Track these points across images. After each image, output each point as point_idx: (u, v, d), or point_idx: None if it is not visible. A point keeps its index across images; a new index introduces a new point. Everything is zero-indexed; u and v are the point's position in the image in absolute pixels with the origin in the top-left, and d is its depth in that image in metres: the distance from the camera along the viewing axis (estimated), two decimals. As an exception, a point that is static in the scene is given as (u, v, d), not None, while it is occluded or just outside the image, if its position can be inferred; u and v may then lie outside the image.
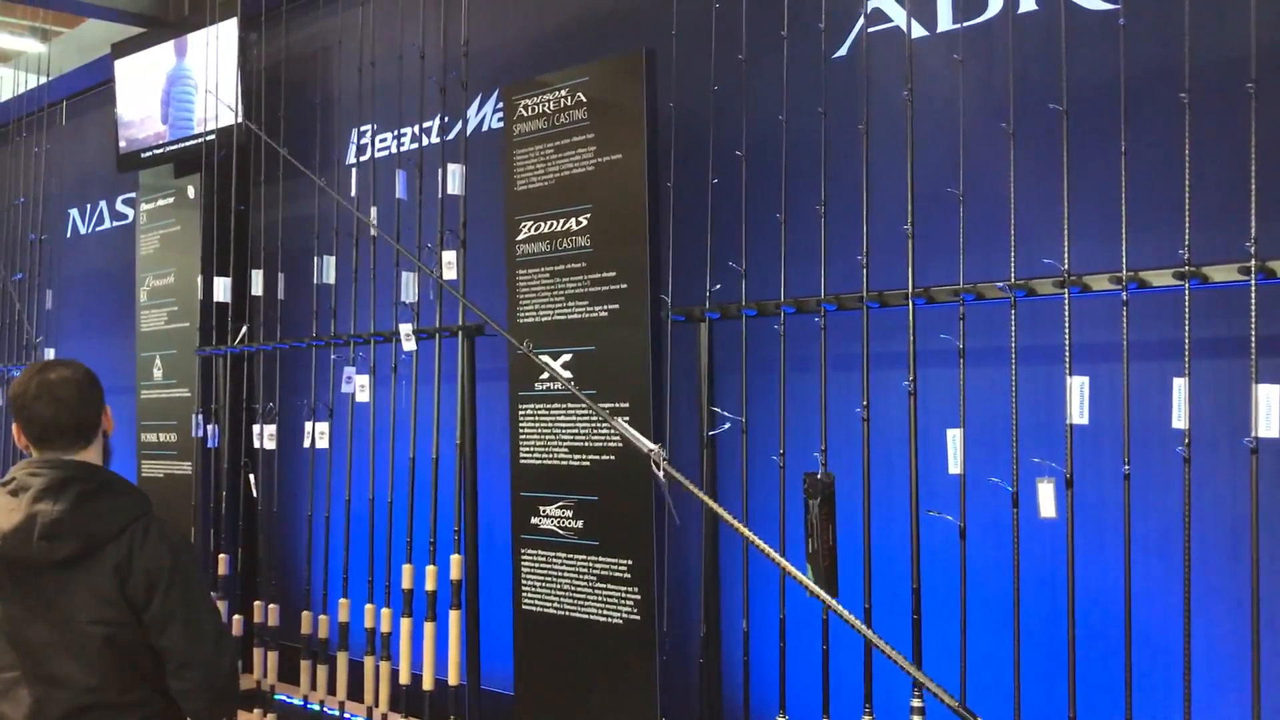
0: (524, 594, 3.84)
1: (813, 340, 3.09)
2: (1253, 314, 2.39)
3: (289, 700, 4.68)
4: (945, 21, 3.40)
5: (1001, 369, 2.78)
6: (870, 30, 3.36)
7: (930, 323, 2.97)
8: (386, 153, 5.01)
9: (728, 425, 3.26)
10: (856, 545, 2.93)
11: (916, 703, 2.81)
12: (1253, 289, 2.41)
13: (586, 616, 3.65)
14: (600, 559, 3.61)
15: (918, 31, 3.38)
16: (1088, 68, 2.96)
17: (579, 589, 3.68)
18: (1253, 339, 2.38)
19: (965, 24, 3.18)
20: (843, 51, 3.59)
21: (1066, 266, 2.67)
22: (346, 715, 4.33)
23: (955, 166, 2.83)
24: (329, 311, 4.49)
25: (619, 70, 3.66)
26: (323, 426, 4.43)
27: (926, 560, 2.85)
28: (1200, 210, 2.52)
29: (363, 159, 5.13)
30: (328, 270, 4.51)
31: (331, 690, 4.38)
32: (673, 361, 3.43)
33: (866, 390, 2.97)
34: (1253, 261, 2.40)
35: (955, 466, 2.77)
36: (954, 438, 2.78)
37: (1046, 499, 2.63)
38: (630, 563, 3.53)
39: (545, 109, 3.86)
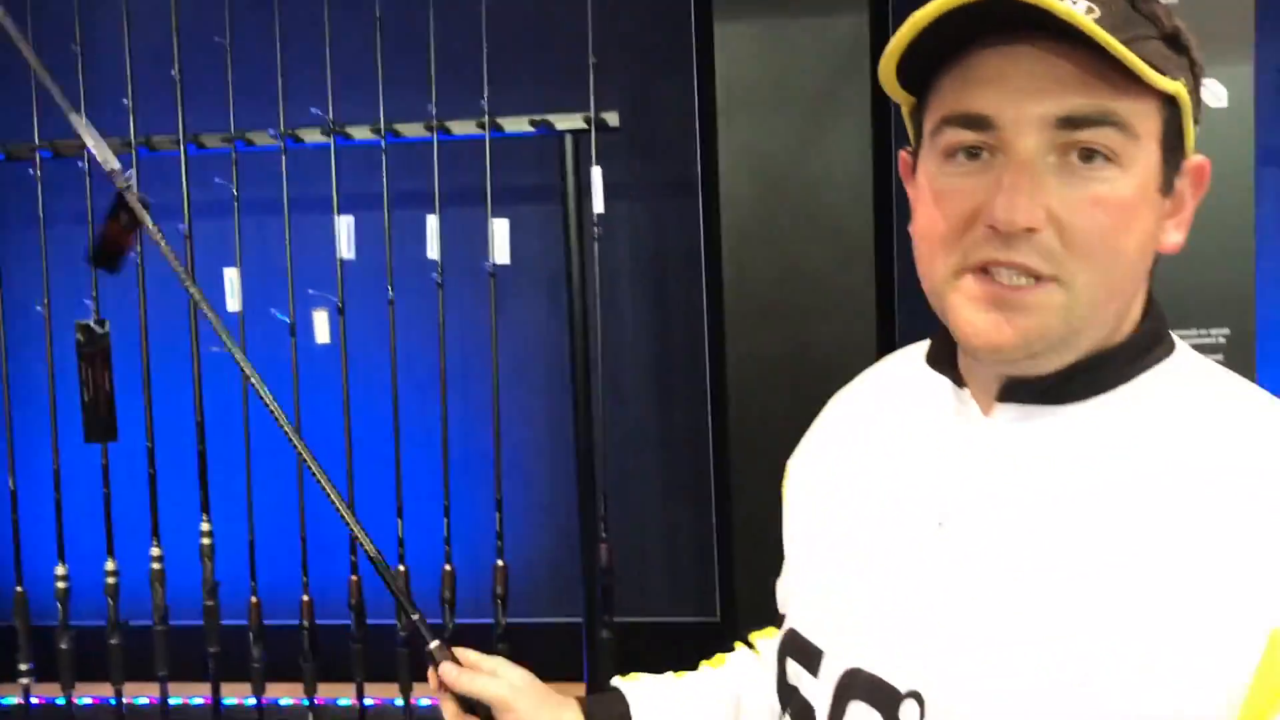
0: None
1: (78, 189, 2.97)
2: (488, 162, 2.87)
3: None
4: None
5: (277, 215, 2.94)
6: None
7: (205, 170, 3.03)
8: None
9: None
10: (137, 388, 2.94)
11: (206, 538, 2.94)
12: (487, 142, 2.88)
13: None
14: None
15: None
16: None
17: None
18: (488, 184, 2.86)
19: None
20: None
21: (331, 117, 2.91)
22: None
23: (224, 18, 2.91)
24: None
25: None
26: None
27: (211, 395, 2.95)
28: (444, 73, 2.90)
29: None
30: None
31: None
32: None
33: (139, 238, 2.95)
34: (486, 118, 2.87)
35: (234, 304, 2.91)
36: (231, 277, 2.91)
37: (321, 327, 2.90)
38: None
39: None
